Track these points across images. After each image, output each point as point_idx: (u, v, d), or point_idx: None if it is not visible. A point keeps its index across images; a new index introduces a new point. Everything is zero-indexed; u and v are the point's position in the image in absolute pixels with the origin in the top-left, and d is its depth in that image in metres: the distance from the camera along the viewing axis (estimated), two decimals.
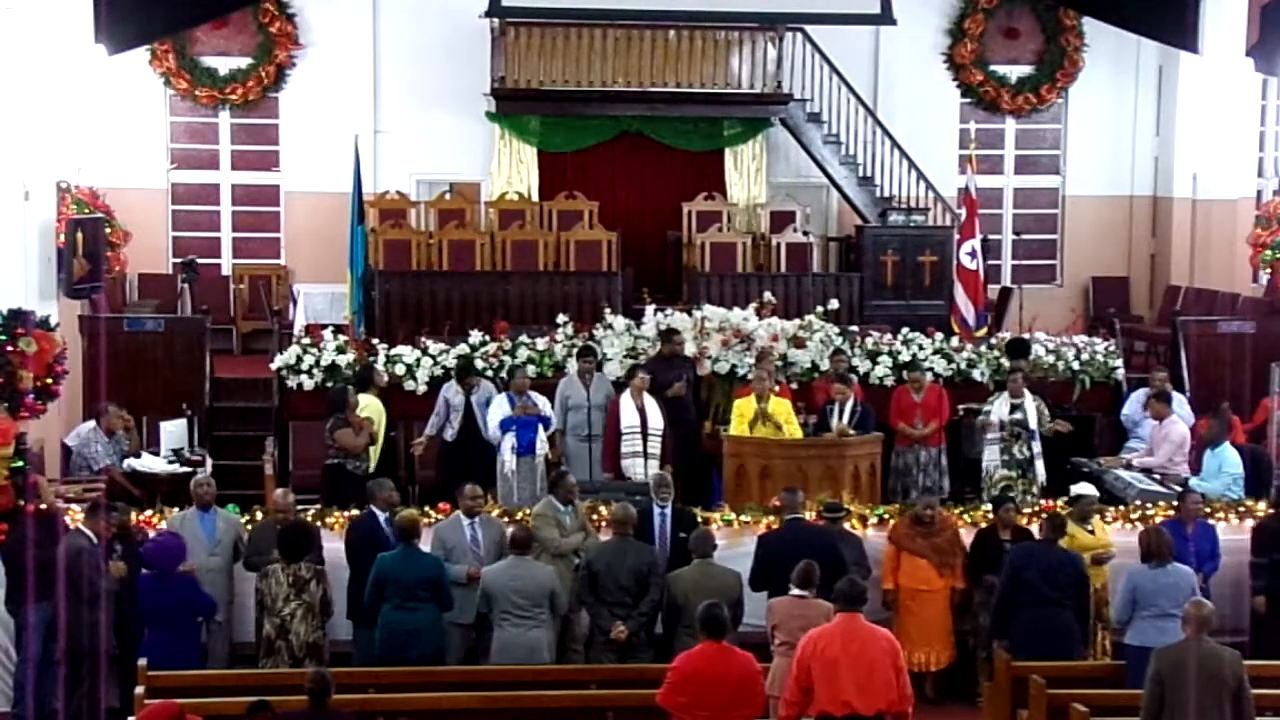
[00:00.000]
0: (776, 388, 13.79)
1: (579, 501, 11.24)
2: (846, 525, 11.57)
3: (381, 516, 10.98)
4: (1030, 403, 13.33)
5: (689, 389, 13.90)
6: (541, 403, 13.11)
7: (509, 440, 12.75)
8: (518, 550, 10.25)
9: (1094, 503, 11.38)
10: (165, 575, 10.22)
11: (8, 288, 13.17)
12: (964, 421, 14.16)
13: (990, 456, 13.32)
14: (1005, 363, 14.63)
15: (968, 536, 11.63)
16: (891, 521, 11.84)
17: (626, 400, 13.04)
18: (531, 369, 14.34)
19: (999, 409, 13.34)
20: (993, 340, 15.54)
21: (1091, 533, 11.20)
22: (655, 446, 12.95)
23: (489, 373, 14.19)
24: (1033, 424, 13.22)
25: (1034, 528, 11.50)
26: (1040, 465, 13.21)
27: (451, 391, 13.58)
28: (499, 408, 13.03)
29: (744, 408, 13.01)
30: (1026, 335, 15.70)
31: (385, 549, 10.58)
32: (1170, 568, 10.27)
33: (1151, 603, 10.08)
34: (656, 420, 13.01)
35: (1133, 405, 14.47)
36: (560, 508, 11.00)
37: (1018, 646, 10.24)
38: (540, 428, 12.86)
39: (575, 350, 14.14)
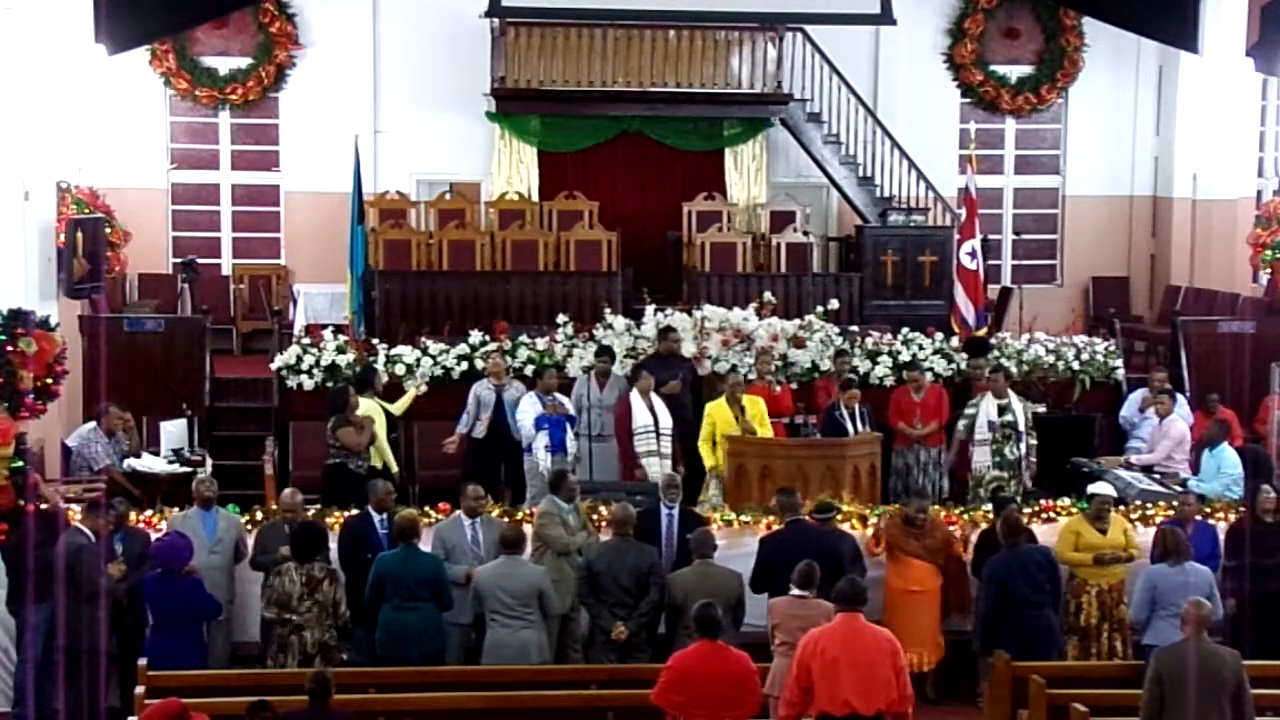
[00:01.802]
0: (778, 387, 13.85)
1: (579, 500, 11.24)
2: (845, 526, 11.55)
3: (376, 518, 10.99)
4: (1017, 403, 13.36)
5: (686, 388, 13.89)
6: (567, 402, 13.18)
7: (543, 439, 12.78)
8: (509, 549, 10.24)
9: (1106, 502, 11.28)
10: (172, 576, 10.19)
11: (8, 288, 13.16)
12: None
13: (981, 458, 13.30)
14: (996, 363, 14.61)
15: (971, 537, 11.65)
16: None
17: (637, 400, 13.04)
18: (530, 369, 14.35)
19: (986, 409, 13.34)
20: (993, 340, 15.55)
21: (1104, 533, 11.13)
22: (668, 445, 13.00)
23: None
24: (1021, 425, 13.24)
25: (1034, 528, 11.51)
26: (1028, 464, 13.25)
27: (483, 389, 13.62)
28: (532, 406, 13.07)
29: (717, 413, 12.94)
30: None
31: (376, 549, 10.58)
32: (1188, 567, 10.30)
33: (1170, 601, 10.04)
34: (666, 419, 13.05)
35: (1130, 407, 14.51)
36: (564, 506, 10.99)
37: (1009, 652, 10.18)
38: (568, 426, 12.91)
39: (594, 350, 14.18)
